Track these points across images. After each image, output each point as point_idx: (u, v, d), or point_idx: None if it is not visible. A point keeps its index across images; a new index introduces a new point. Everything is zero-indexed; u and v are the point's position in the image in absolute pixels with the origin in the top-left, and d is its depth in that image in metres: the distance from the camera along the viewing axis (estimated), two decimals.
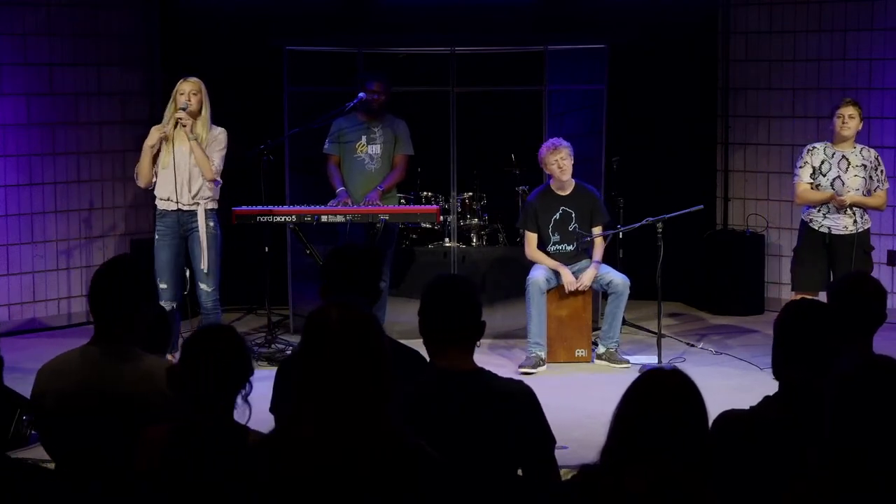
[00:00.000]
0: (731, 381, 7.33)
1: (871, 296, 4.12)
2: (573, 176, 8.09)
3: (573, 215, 7.92)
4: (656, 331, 7.85)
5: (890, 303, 4.99)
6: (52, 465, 3.85)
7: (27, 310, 8.93)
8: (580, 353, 7.93)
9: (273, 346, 7.97)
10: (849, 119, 7.20)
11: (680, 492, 2.75)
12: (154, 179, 7.29)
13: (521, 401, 3.45)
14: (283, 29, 9.08)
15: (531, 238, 7.96)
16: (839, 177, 7.21)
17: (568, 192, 7.95)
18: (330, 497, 2.76)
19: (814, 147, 7.34)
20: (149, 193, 7.56)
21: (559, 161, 7.82)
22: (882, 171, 7.28)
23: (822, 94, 9.11)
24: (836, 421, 2.78)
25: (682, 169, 9.69)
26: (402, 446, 2.80)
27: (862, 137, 8.83)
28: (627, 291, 7.75)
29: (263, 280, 8.19)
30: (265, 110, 9.16)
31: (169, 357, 6.68)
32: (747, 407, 3.47)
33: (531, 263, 7.95)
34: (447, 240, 8.94)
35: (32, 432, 6.01)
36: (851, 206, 7.17)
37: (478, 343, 3.56)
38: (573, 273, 7.89)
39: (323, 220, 7.85)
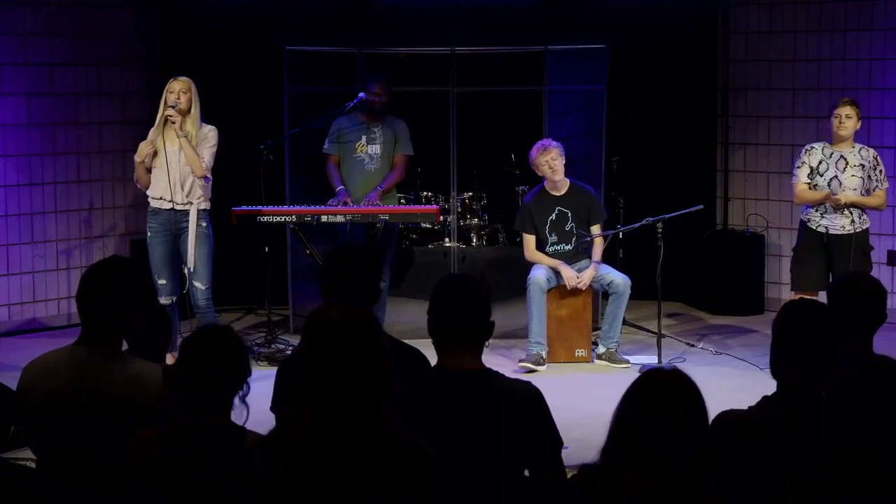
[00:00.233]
0: (731, 381, 7.33)
1: (870, 296, 4.12)
2: (572, 176, 8.08)
3: (569, 215, 7.92)
4: (656, 331, 7.85)
5: (890, 303, 4.99)
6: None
7: (27, 310, 8.93)
8: (580, 353, 7.93)
9: (273, 346, 7.97)
10: (846, 119, 7.20)
11: (680, 492, 2.75)
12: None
13: (529, 401, 3.44)
14: (283, 29, 9.08)
15: (529, 240, 7.96)
16: (836, 176, 7.21)
17: (563, 192, 7.95)
18: (330, 497, 2.76)
19: (812, 147, 7.35)
20: None
21: (549, 162, 7.81)
22: (881, 171, 7.28)
23: (822, 94, 9.11)
24: (835, 421, 2.78)
25: (682, 169, 9.69)
26: (402, 446, 2.80)
27: (862, 137, 8.84)
28: (629, 292, 7.75)
29: (263, 280, 8.19)
30: (265, 110, 9.16)
31: (169, 357, 6.71)
32: (747, 407, 3.47)
33: (531, 264, 7.94)
34: (447, 240, 8.94)
35: None
36: (849, 205, 7.16)
37: (487, 343, 3.55)
38: None
39: (323, 220, 7.85)
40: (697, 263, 9.63)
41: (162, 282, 7.24)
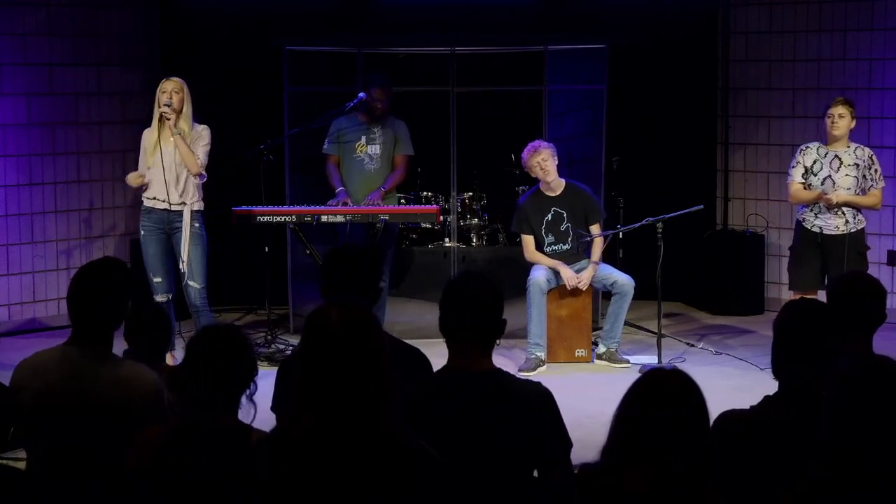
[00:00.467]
0: (731, 381, 7.33)
1: (869, 295, 4.11)
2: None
3: (565, 215, 7.92)
4: (656, 331, 7.85)
5: (890, 303, 5.00)
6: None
7: (27, 310, 8.93)
8: (580, 353, 7.93)
9: (273, 346, 7.97)
10: (839, 118, 7.20)
11: (680, 492, 2.75)
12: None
13: (539, 402, 3.43)
14: (283, 29, 9.08)
15: (528, 241, 7.96)
16: (830, 176, 7.22)
17: (558, 192, 7.94)
18: (330, 497, 2.76)
19: (807, 147, 7.36)
20: None
21: (541, 163, 7.81)
22: (876, 171, 7.27)
23: (822, 94, 9.10)
24: (834, 421, 2.78)
25: (682, 169, 9.69)
26: (401, 446, 2.79)
27: (861, 137, 8.84)
28: (632, 292, 7.75)
29: (263, 280, 8.19)
30: (265, 110, 9.16)
31: (168, 356, 6.71)
32: (747, 407, 3.46)
33: (531, 264, 7.94)
34: (447, 240, 8.94)
35: None
36: (841, 205, 7.16)
37: (497, 342, 3.53)
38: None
39: (323, 220, 7.85)
40: (697, 263, 9.63)
41: (157, 280, 7.27)
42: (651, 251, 7.65)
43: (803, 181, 7.28)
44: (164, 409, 3.74)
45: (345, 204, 8.01)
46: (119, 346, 3.97)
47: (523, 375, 7.50)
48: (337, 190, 8.17)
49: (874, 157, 7.31)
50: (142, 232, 7.34)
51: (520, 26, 9.47)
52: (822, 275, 7.27)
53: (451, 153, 8.75)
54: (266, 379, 3.88)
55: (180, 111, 7.17)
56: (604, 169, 8.86)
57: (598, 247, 7.95)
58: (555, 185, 7.91)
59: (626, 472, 2.77)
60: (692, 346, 8.37)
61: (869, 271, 6.58)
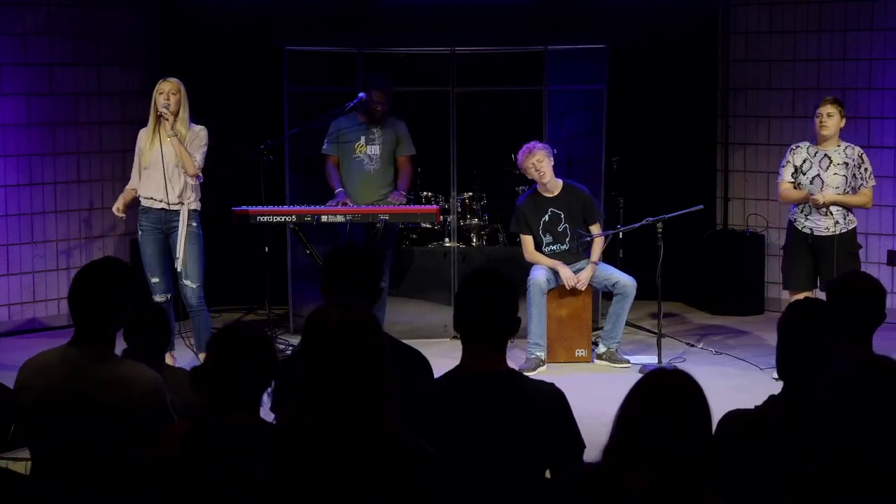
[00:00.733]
0: (731, 381, 7.33)
1: (867, 295, 4.11)
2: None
3: (562, 216, 7.92)
4: (656, 331, 7.85)
5: (890, 303, 4.99)
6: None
7: (27, 310, 8.93)
8: (580, 353, 7.93)
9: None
10: (827, 118, 7.22)
11: (680, 492, 2.75)
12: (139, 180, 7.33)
13: (552, 403, 3.43)
14: (283, 29, 9.08)
15: (527, 241, 7.96)
16: (819, 175, 7.24)
17: (555, 193, 7.94)
18: (330, 497, 2.76)
19: (797, 146, 7.39)
20: None
21: (536, 164, 7.81)
22: (866, 169, 7.28)
23: (822, 94, 9.03)
24: (833, 421, 2.78)
25: (682, 169, 9.69)
26: (401, 446, 2.79)
27: (861, 137, 8.85)
28: (634, 293, 7.75)
29: (263, 280, 8.18)
30: (265, 110, 9.16)
31: (168, 356, 6.72)
32: (747, 407, 3.47)
33: (531, 264, 7.95)
34: (447, 240, 8.93)
35: None
36: (828, 205, 7.17)
37: (511, 340, 3.53)
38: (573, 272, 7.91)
39: (323, 220, 7.85)
40: (697, 263, 9.63)
41: (155, 280, 7.26)
42: (651, 251, 7.65)
43: (792, 180, 7.31)
44: (165, 409, 3.74)
45: (344, 205, 8.01)
46: (119, 346, 3.97)
47: None
48: (336, 191, 8.17)
49: (864, 156, 7.32)
50: (139, 232, 7.34)
51: (520, 26, 9.47)
52: (814, 275, 7.30)
53: (451, 153, 8.75)
54: None
55: (177, 113, 7.15)
56: (604, 169, 8.86)
57: (597, 247, 7.95)
58: (551, 185, 7.91)
59: (627, 472, 2.77)
60: (692, 346, 8.37)
61: (868, 271, 6.60)
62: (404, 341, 4.14)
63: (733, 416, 3.38)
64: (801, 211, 7.30)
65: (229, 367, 3.31)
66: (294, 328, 8.76)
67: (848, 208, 7.25)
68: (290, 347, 7.79)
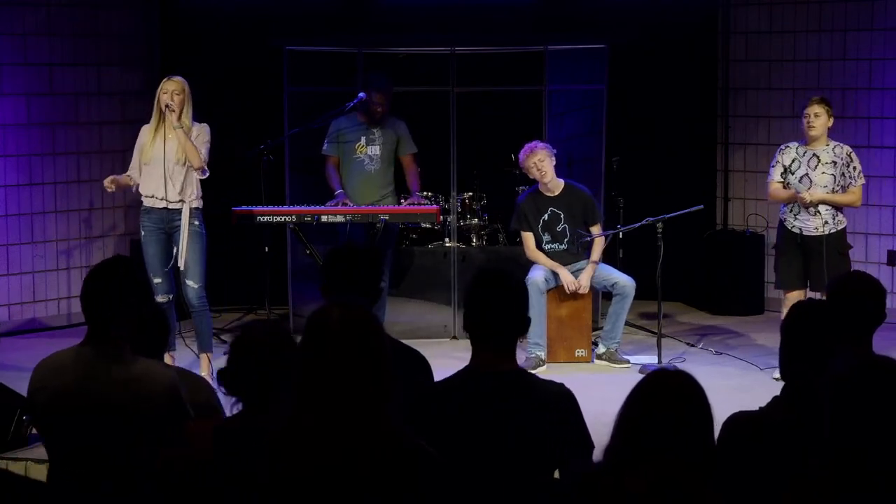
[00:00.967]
0: (731, 381, 7.34)
1: (867, 295, 4.11)
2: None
3: (562, 216, 7.92)
4: (656, 331, 7.85)
5: (890, 303, 4.99)
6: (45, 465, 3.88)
7: (27, 310, 8.93)
8: (580, 353, 7.94)
9: None
10: (814, 118, 7.24)
11: (680, 492, 2.75)
12: (139, 178, 7.28)
13: (561, 403, 3.43)
14: (283, 29, 9.08)
15: (528, 238, 7.97)
16: (807, 174, 7.26)
17: (556, 192, 7.95)
18: (329, 497, 2.76)
19: (787, 146, 7.42)
20: None
21: (537, 164, 7.82)
22: (855, 168, 7.29)
23: (822, 94, 9.10)
24: (833, 421, 2.78)
25: (682, 169, 9.70)
26: (401, 446, 2.80)
27: (861, 137, 8.86)
28: (633, 293, 7.75)
29: (263, 280, 8.19)
30: (265, 110, 9.16)
31: (167, 357, 6.71)
32: (746, 407, 3.47)
33: (530, 264, 7.95)
34: (447, 240, 8.93)
35: (32, 432, 6.02)
36: (816, 203, 7.18)
37: (521, 339, 3.53)
38: (572, 273, 7.90)
39: (323, 220, 7.85)
40: (697, 263, 9.63)
41: (157, 280, 7.21)
42: (651, 251, 7.66)
43: (782, 180, 7.35)
44: (182, 406, 3.74)
45: (344, 205, 8.01)
46: None
47: None
48: (336, 192, 8.17)
49: (853, 155, 7.33)
50: (142, 232, 7.28)
51: (520, 26, 9.47)
52: (804, 274, 7.32)
53: (451, 153, 8.75)
54: None
55: (181, 112, 7.12)
56: (604, 169, 8.86)
57: (598, 247, 7.96)
58: (552, 185, 7.92)
59: (627, 472, 2.77)
60: (692, 346, 8.37)
61: (868, 271, 6.60)
62: (404, 341, 4.14)
63: (738, 419, 3.39)
64: (791, 210, 7.33)
65: (257, 368, 3.30)
66: (294, 328, 8.75)
67: (838, 208, 7.27)
68: None
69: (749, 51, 9.59)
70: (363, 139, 8.25)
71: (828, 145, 7.30)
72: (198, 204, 7.20)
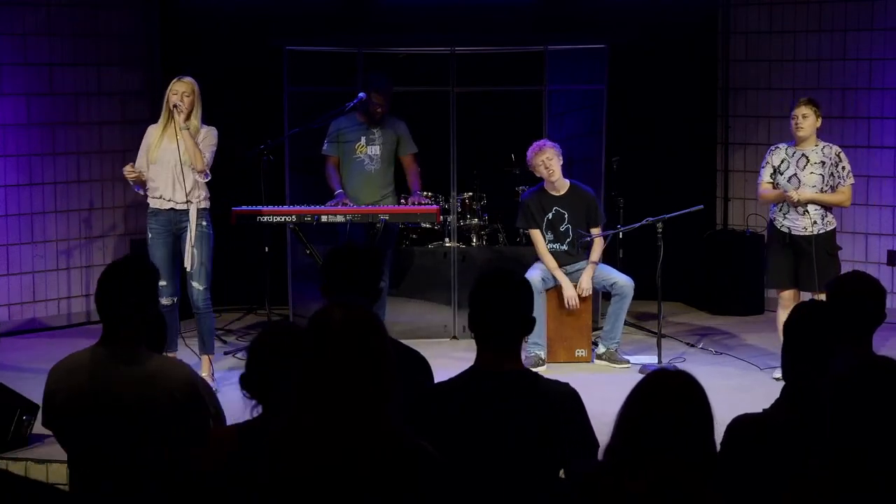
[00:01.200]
0: (731, 381, 7.34)
1: (867, 295, 4.12)
2: (572, 176, 8.08)
3: (565, 216, 7.92)
4: (656, 331, 7.85)
5: (890, 303, 5.00)
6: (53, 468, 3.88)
7: (27, 310, 8.93)
8: (580, 353, 7.93)
9: None
10: (802, 119, 7.26)
11: (680, 492, 2.75)
12: (146, 177, 7.24)
13: (566, 403, 3.43)
14: (283, 29, 9.08)
15: (537, 236, 7.95)
16: (796, 174, 7.27)
17: (562, 192, 7.95)
18: (329, 497, 2.76)
19: (777, 147, 7.44)
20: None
21: (545, 162, 7.82)
22: (844, 168, 7.30)
23: (822, 94, 9.08)
24: (834, 421, 2.78)
25: (682, 169, 9.70)
26: (401, 446, 2.80)
27: (861, 137, 8.86)
28: (632, 293, 7.76)
29: (263, 280, 8.18)
30: (265, 110, 9.16)
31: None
32: (746, 406, 3.47)
33: (530, 263, 7.95)
34: (447, 240, 8.93)
35: (32, 432, 6.02)
36: (804, 203, 7.19)
37: (526, 339, 3.54)
38: (572, 273, 7.91)
39: (323, 220, 7.85)
40: (697, 263, 9.63)
41: (162, 283, 7.14)
42: (651, 251, 7.66)
43: (771, 181, 7.36)
44: (200, 400, 3.74)
45: (344, 205, 8.01)
46: None
47: None
48: (336, 192, 8.17)
49: (842, 155, 7.34)
50: (149, 235, 7.21)
51: (520, 26, 9.47)
52: (794, 273, 7.34)
53: (451, 153, 8.75)
54: None
55: (190, 113, 7.09)
56: (604, 169, 8.86)
57: (598, 247, 7.96)
58: (559, 184, 7.92)
59: (627, 472, 2.77)
60: (692, 346, 8.37)
61: (868, 271, 6.60)
62: (404, 341, 4.14)
63: (742, 421, 3.39)
64: (780, 210, 7.35)
65: (270, 369, 3.30)
66: None
67: (827, 209, 7.28)
68: None
69: (749, 51, 9.59)
70: (363, 139, 8.25)
71: (817, 145, 7.32)
72: (205, 204, 7.17)
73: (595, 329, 8.21)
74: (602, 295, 8.51)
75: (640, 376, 2.93)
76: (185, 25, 9.53)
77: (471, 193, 9.05)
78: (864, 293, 4.12)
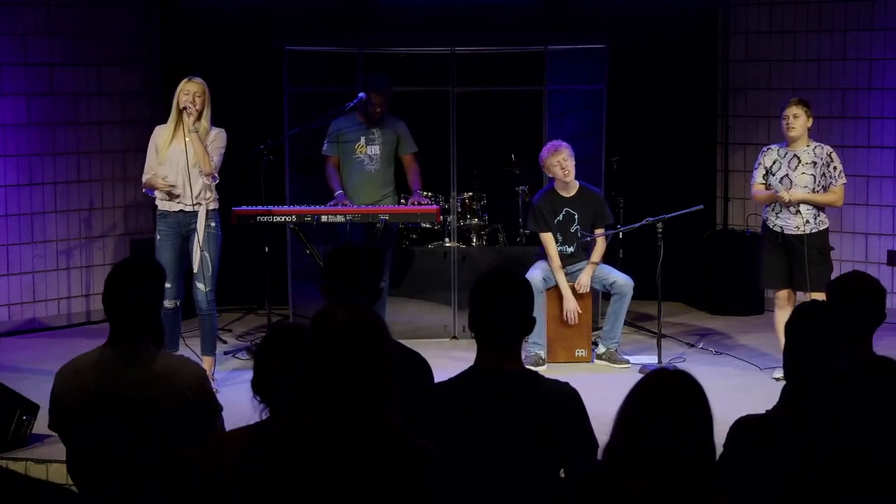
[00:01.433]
0: (731, 381, 7.33)
1: (867, 295, 4.12)
2: (576, 177, 8.09)
3: (576, 217, 7.92)
4: (656, 331, 7.85)
5: (890, 303, 5.00)
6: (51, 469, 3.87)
7: (27, 310, 8.92)
8: (580, 353, 7.93)
9: None
10: (793, 119, 7.26)
11: (680, 492, 2.75)
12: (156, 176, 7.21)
13: (566, 403, 3.43)
14: (283, 29, 9.08)
15: (548, 240, 7.92)
16: (787, 175, 7.28)
17: (572, 193, 7.96)
18: (330, 497, 2.76)
19: (769, 148, 7.46)
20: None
21: (561, 162, 7.82)
22: (835, 168, 7.30)
23: (822, 94, 9.11)
24: (834, 421, 2.78)
25: (682, 169, 9.70)
26: (402, 446, 2.79)
27: (861, 137, 8.86)
28: (631, 293, 7.76)
29: (263, 280, 8.17)
30: (265, 110, 9.16)
31: None
32: (746, 406, 3.48)
33: (530, 263, 7.95)
34: (447, 240, 8.93)
35: (31, 432, 6.02)
36: (795, 202, 7.20)
37: (526, 339, 3.54)
38: (572, 273, 7.92)
39: (323, 220, 7.85)
40: (697, 263, 9.63)
41: (167, 285, 7.14)
42: (651, 251, 7.66)
43: (764, 182, 7.37)
44: (211, 397, 3.74)
45: (343, 205, 8.01)
46: None
47: None
48: (336, 193, 8.17)
49: (834, 155, 7.34)
50: (157, 236, 7.16)
51: (520, 26, 9.47)
52: (787, 273, 7.34)
53: (451, 153, 8.75)
54: None
55: (200, 114, 7.06)
56: (604, 169, 8.86)
57: (599, 248, 7.96)
58: (571, 185, 7.93)
59: (627, 472, 2.77)
60: (692, 346, 8.37)
61: (868, 271, 6.60)
62: (404, 342, 4.14)
63: (745, 422, 3.40)
64: (773, 210, 7.37)
65: (278, 371, 3.29)
66: None
67: (819, 208, 7.29)
68: None
69: (749, 51, 9.59)
70: (363, 139, 8.25)
71: (808, 146, 7.32)
72: (215, 205, 7.16)
73: (595, 329, 8.21)
74: (602, 295, 8.51)
75: (640, 376, 2.93)
76: (185, 25, 9.53)
77: (471, 193, 9.05)
78: (864, 293, 4.13)
